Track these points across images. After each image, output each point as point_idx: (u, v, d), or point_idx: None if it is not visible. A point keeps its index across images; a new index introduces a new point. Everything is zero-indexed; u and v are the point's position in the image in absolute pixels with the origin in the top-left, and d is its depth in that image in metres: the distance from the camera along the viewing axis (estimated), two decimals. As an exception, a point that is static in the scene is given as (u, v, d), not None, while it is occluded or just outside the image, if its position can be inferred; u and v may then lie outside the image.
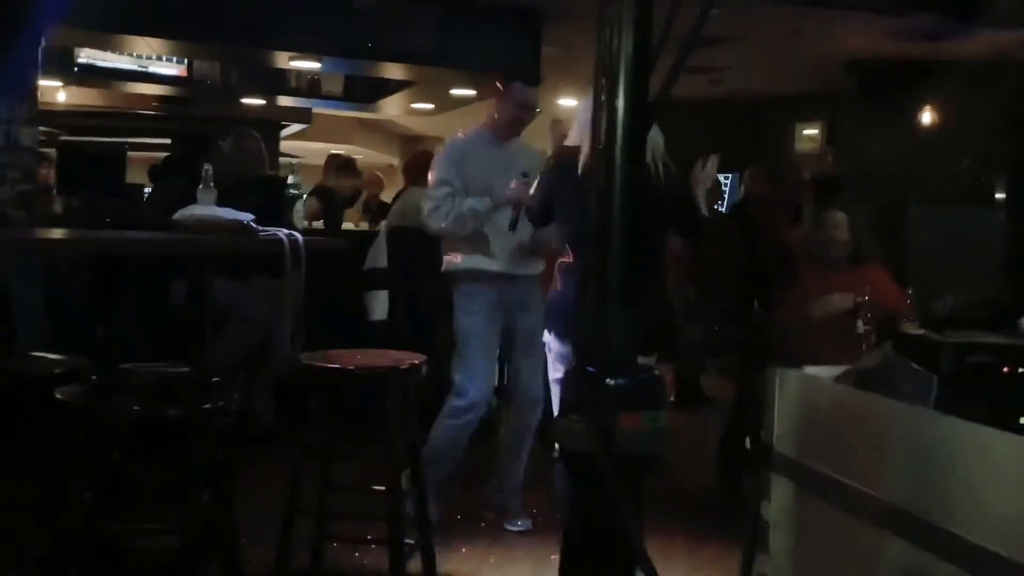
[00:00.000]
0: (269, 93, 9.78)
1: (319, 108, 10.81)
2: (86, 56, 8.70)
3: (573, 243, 3.40)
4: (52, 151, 6.28)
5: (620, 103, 1.50)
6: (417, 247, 5.86)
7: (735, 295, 4.99)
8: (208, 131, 7.75)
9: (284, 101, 10.14)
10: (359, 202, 8.41)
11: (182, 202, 3.10)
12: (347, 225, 7.77)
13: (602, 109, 1.53)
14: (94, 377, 2.80)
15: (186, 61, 9.03)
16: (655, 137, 3.23)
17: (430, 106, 10.11)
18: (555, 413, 2.70)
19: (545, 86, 5.31)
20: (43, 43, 4.93)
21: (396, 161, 14.44)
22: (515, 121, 4.08)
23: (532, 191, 3.60)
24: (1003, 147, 7.67)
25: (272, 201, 3.49)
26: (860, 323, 4.05)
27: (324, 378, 3.15)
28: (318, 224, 6.76)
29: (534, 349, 3.86)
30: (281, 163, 10.32)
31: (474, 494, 4.31)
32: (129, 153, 6.19)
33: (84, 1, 5.68)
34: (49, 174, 6.15)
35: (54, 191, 5.96)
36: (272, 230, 2.98)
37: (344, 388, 3.26)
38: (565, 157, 3.36)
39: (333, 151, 10.13)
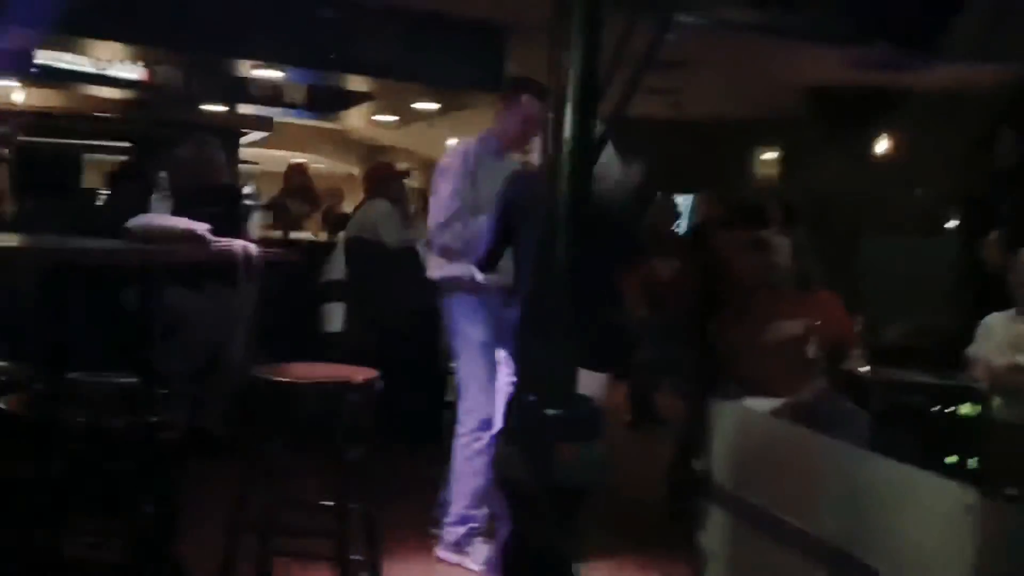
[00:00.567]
0: (230, 100, 9.70)
1: (281, 117, 10.75)
2: (44, 57, 8.57)
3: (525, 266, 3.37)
4: (7, 151, 6.19)
5: (567, 124, 1.51)
6: (375, 259, 5.86)
7: (689, 317, 5.03)
8: (167, 137, 7.67)
9: (245, 109, 10.07)
10: (317, 213, 8.39)
11: (138, 209, 3.07)
12: (305, 235, 7.74)
13: (550, 130, 1.53)
14: (38, 386, 2.75)
15: (146, 66, 8.93)
16: (611, 157, 3.24)
17: (393, 118, 10.11)
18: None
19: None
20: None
21: (357, 171, 14.39)
22: (523, 135, 3.93)
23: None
24: (956, 178, 7.83)
25: (229, 211, 3.47)
26: (810, 350, 4.10)
27: (275, 392, 3.12)
28: (279, 233, 6.74)
29: None
30: (241, 170, 10.24)
31: (423, 507, 4.28)
32: (87, 156, 6.12)
33: (44, 3, 5.60)
34: (3, 176, 6.06)
35: (8, 193, 5.87)
36: (227, 241, 2.96)
37: (295, 402, 3.23)
38: (526, 175, 3.36)
39: (294, 160, 10.09)
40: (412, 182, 8.91)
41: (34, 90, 9.42)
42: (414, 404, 5.40)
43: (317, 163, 12.84)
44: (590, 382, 3.06)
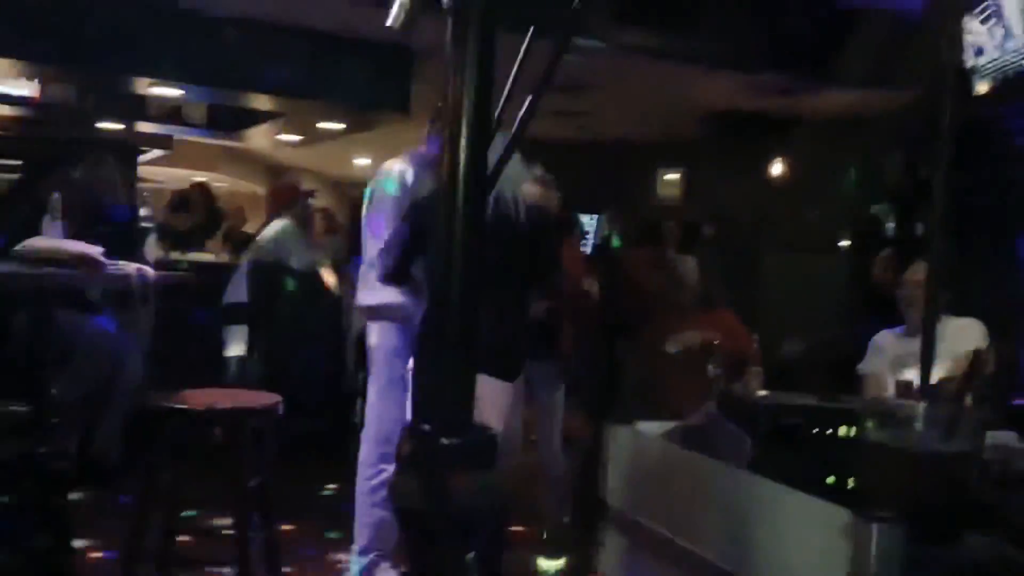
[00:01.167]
0: (128, 118, 9.44)
1: (181, 135, 10.52)
2: (-72, 72, 8.23)
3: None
4: None
5: (462, 145, 1.51)
6: (279, 281, 5.77)
7: (596, 335, 5.08)
8: (60, 156, 7.43)
9: (143, 127, 9.82)
10: (219, 233, 8.20)
11: (29, 231, 2.97)
12: (206, 256, 7.56)
13: (447, 150, 1.54)
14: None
15: (38, 82, 8.65)
16: (519, 173, 3.24)
17: (297, 137, 9.99)
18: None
19: (415, 123, 5.32)
20: None
21: (261, 190, 14.16)
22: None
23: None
24: (849, 199, 8.12)
25: (124, 232, 3.38)
26: (711, 367, 4.18)
27: (172, 419, 3.04)
28: (177, 254, 6.56)
29: None
30: (141, 189, 9.97)
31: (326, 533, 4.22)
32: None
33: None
34: None
35: None
36: (122, 264, 2.88)
37: (193, 430, 3.15)
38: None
39: (196, 179, 9.89)
40: (317, 202, 8.80)
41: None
42: (318, 428, 5.33)
43: (220, 182, 12.60)
44: (495, 392, 3.05)
